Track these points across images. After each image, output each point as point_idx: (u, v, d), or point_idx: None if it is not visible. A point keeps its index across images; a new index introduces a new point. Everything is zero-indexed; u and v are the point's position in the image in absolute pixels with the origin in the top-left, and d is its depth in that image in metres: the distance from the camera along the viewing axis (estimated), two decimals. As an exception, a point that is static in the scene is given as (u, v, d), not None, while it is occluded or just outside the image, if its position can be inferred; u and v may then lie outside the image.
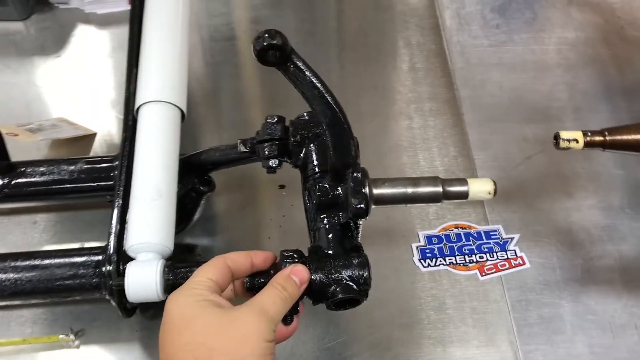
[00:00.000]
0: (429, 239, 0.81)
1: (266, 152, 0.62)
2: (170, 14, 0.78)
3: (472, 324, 0.74)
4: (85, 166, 0.78)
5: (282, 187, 0.86)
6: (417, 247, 0.80)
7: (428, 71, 0.98)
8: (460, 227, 0.82)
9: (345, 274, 0.55)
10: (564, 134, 0.63)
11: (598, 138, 0.62)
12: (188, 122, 0.92)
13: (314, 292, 0.55)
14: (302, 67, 0.52)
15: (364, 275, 0.55)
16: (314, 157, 0.62)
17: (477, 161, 0.88)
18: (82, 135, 0.90)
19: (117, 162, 0.75)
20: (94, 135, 0.91)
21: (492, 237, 0.81)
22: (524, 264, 0.78)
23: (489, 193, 0.59)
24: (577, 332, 0.73)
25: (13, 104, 0.96)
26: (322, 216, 0.59)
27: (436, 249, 0.80)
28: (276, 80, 0.98)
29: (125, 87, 0.78)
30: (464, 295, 0.76)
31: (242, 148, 0.64)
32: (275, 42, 0.49)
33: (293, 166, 0.65)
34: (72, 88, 0.98)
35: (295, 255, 0.55)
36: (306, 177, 0.62)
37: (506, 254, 0.79)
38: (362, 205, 0.54)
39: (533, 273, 0.78)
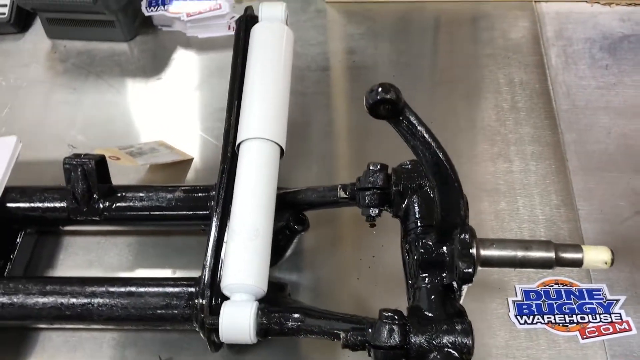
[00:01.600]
0: (526, 293, 0.77)
1: (367, 201, 0.61)
2: (275, 48, 0.78)
3: (571, 391, 0.70)
4: (183, 195, 0.79)
5: (373, 225, 0.84)
6: (514, 301, 0.76)
7: (531, 111, 0.94)
8: (561, 284, 0.77)
9: (448, 340, 0.52)
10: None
11: None
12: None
13: (412, 357, 0.53)
14: (415, 122, 0.51)
15: (467, 343, 0.52)
16: (417, 209, 0.60)
17: (581, 212, 0.83)
18: (179, 160, 0.92)
19: (214, 192, 0.75)
20: (190, 160, 0.93)
21: (595, 297, 0.76)
22: (630, 329, 0.73)
23: (606, 263, 0.55)
24: (688, 411, 0.68)
25: (114, 123, 0.99)
26: (423, 275, 0.56)
27: (534, 305, 0.76)
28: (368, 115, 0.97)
29: (226, 119, 0.79)
30: (562, 358, 0.72)
31: (342, 194, 0.63)
32: (388, 96, 0.48)
33: (393, 216, 0.63)
34: (171, 111, 1.00)
35: (396, 317, 0.53)
36: (407, 230, 0.60)
37: (610, 317, 0.74)
38: (470, 270, 0.52)
39: (640, 341, 0.72)
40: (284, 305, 0.63)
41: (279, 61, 0.78)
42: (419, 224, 0.59)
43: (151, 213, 0.80)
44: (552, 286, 0.77)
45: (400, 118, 0.50)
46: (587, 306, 0.75)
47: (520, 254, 0.55)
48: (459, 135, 0.92)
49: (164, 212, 0.79)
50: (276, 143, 0.71)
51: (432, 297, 0.55)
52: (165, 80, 1.04)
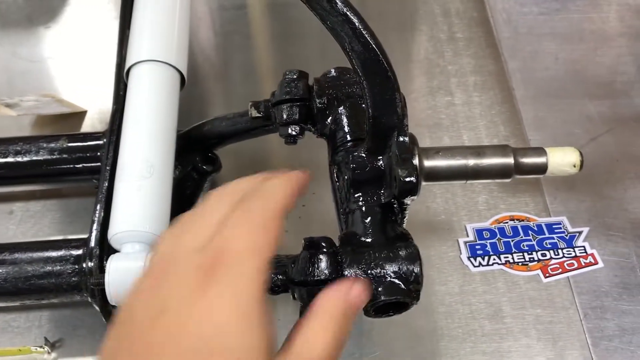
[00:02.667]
0: (479, 233, 0.67)
1: (284, 116, 0.49)
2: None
3: (537, 335, 0.60)
4: (68, 144, 0.65)
5: (292, 143, 0.73)
6: (466, 242, 0.66)
7: (470, 41, 0.85)
8: (517, 219, 0.68)
9: (390, 269, 0.41)
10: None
11: None
12: (194, 97, 0.80)
13: (348, 293, 0.41)
14: (332, -4, 0.39)
15: (415, 270, 0.41)
16: (345, 122, 0.49)
17: (532, 142, 0.74)
18: (69, 113, 0.78)
19: (105, 140, 0.62)
20: (83, 113, 0.79)
21: (556, 231, 0.67)
22: (596, 263, 0.64)
23: (574, 166, 0.46)
24: (667, 346, 0.59)
25: (-7, 78, 0.84)
26: (357, 195, 0.45)
27: (489, 245, 0.66)
28: (292, 52, 0.87)
29: (117, 52, 0.66)
30: (524, 300, 0.62)
31: (254, 112, 0.51)
32: None
33: (317, 135, 0.51)
34: (62, 62, 0.86)
35: (324, 245, 0.42)
36: (335, 148, 0.49)
37: (574, 251, 0.65)
38: (411, 179, 0.41)
39: (608, 274, 0.64)
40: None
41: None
42: (348, 138, 0.48)
43: (31, 169, 0.65)
44: (507, 222, 0.68)
45: (314, -9, 0.39)
46: (547, 241, 0.66)
47: (472, 162, 0.45)
48: (395, 70, 0.82)
49: (47, 167, 0.65)
50: (172, 66, 0.58)
51: (368, 219, 0.44)
52: (55, 30, 0.90)
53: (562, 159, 0.45)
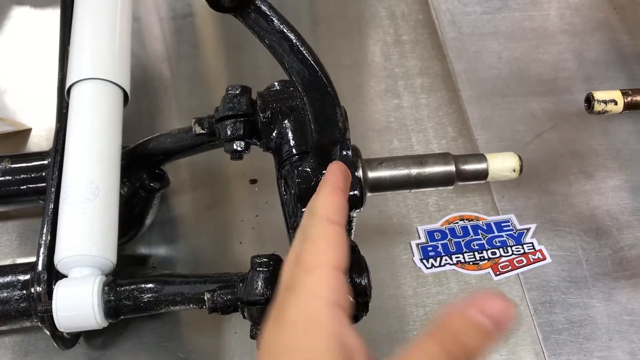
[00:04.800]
0: (430, 234, 0.68)
1: (229, 132, 0.49)
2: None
3: (489, 333, 0.61)
4: (11, 165, 0.64)
5: (253, 181, 0.73)
6: (418, 244, 0.67)
7: (416, 43, 0.86)
8: (467, 219, 0.69)
9: (338, 282, 0.41)
10: (599, 95, 0.50)
11: (641, 98, 0.50)
12: (143, 110, 0.79)
13: (297, 310, 0.41)
14: (268, 13, 0.40)
15: (362, 283, 0.42)
16: (290, 135, 0.49)
17: (479, 141, 0.76)
18: (12, 132, 0.76)
19: (50, 160, 0.61)
20: (28, 131, 0.77)
21: (505, 229, 0.68)
22: (544, 258, 0.66)
23: (514, 170, 0.47)
24: (613, 336, 0.61)
25: None
26: (303, 210, 0.45)
27: (440, 246, 0.67)
28: (241, 61, 0.86)
29: (58, 69, 0.65)
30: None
31: (197, 129, 0.51)
32: None
33: (263, 149, 0.51)
34: (3, 79, 0.84)
35: (272, 263, 0.42)
36: (281, 162, 0.49)
37: (523, 248, 0.67)
38: (355, 192, 0.41)
39: (556, 269, 0.66)
40: (140, 274, 0.50)
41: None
42: (294, 152, 0.48)
43: (-28, 192, 0.64)
44: (457, 223, 0.69)
45: (249, 9, 0.39)
46: (497, 240, 0.67)
47: (414, 171, 0.46)
48: (342, 74, 0.83)
49: (-10, 189, 0.64)
50: (114, 83, 0.57)
51: (316, 234, 0.44)
52: (-4, 44, 0.87)
53: (502, 164, 0.46)
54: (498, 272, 0.65)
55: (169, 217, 0.70)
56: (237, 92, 0.49)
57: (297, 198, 0.46)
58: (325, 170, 0.44)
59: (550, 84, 0.81)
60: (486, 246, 0.67)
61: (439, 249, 0.67)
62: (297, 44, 0.41)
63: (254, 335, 0.42)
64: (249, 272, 0.42)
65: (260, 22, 0.40)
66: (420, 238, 0.68)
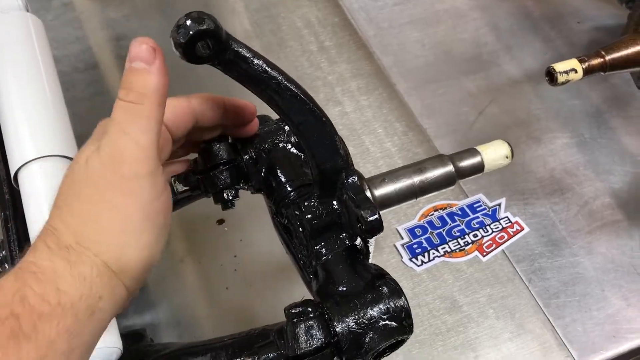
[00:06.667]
0: (411, 232, 0.68)
1: (216, 183, 0.46)
2: (25, 43, 0.59)
3: (494, 314, 0.63)
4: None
5: (221, 222, 0.70)
6: (403, 245, 0.67)
7: (340, 47, 0.85)
8: (440, 209, 0.70)
9: (379, 311, 0.40)
10: (560, 66, 0.52)
11: (597, 61, 0.53)
12: None
13: (345, 350, 0.40)
14: (247, 55, 0.38)
15: (403, 305, 0.41)
16: (280, 173, 0.47)
17: (429, 130, 0.77)
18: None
19: (4, 252, 0.55)
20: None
21: (478, 209, 0.70)
22: (522, 229, 0.68)
23: (507, 157, 0.48)
24: (604, 286, 0.64)
25: None
26: (319, 245, 0.44)
27: (424, 241, 0.67)
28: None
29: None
30: (473, 284, 0.65)
31: (179, 187, 0.47)
32: (205, 26, 0.35)
33: (252, 192, 0.49)
34: None
35: (309, 309, 0.40)
36: (278, 202, 0.46)
37: (500, 224, 0.69)
38: (376, 217, 0.40)
39: (535, 236, 0.68)
40: (152, 355, 0.46)
41: (35, 57, 0.59)
42: (289, 189, 0.46)
43: None
44: (432, 214, 0.70)
45: (227, 55, 0.37)
46: (474, 222, 0.69)
47: (417, 179, 0.45)
48: (277, 93, 0.81)
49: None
50: (66, 157, 0.53)
51: (340, 267, 0.42)
52: None
53: (495, 154, 0.47)
54: (484, 253, 0.67)
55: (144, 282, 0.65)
56: (215, 139, 0.47)
57: (308, 235, 0.44)
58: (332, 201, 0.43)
59: (476, 61, 0.84)
60: (466, 230, 0.68)
61: (424, 245, 0.67)
62: (284, 81, 0.39)
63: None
64: (287, 325, 0.40)
65: (241, 66, 0.38)
66: (403, 238, 0.68)
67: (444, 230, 0.68)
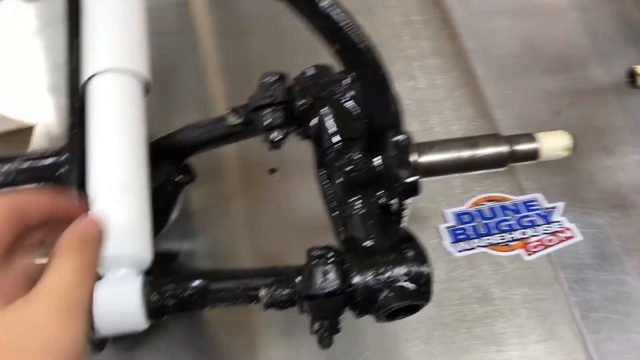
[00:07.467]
0: (458, 217, 0.67)
1: (266, 122, 0.47)
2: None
3: (526, 314, 0.61)
4: (24, 165, 0.61)
5: (272, 171, 0.71)
6: (447, 228, 0.66)
7: (426, 23, 0.84)
8: (494, 200, 0.68)
9: (400, 272, 0.40)
10: (644, 69, 0.49)
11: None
12: (163, 102, 0.76)
13: (358, 302, 0.40)
14: (318, -7, 0.38)
15: (425, 272, 0.41)
16: (331, 122, 0.47)
17: (499, 121, 0.74)
18: (14, 130, 0.72)
19: (65, 156, 0.58)
20: (31, 128, 0.74)
21: (532, 208, 0.68)
22: (574, 236, 0.66)
23: (566, 149, 0.46)
24: (650, 312, 0.61)
25: None
26: (353, 199, 0.44)
27: (469, 228, 0.66)
28: (242, 48, 0.83)
29: (67, 61, 0.62)
30: (510, 280, 0.63)
31: (232, 120, 0.49)
32: None
33: (302, 137, 0.49)
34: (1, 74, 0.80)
35: (330, 255, 0.40)
36: (323, 151, 0.47)
37: (551, 227, 0.66)
38: (414, 178, 0.40)
39: (587, 246, 0.65)
40: (179, 273, 0.48)
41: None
42: (337, 139, 0.46)
43: (-15, 194, 0.61)
44: (484, 204, 0.68)
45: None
46: (525, 219, 0.67)
47: (466, 153, 0.44)
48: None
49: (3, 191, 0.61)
50: (136, 73, 0.55)
51: (369, 222, 0.43)
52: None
53: (554, 144, 0.45)
54: (529, 252, 0.65)
55: (187, 211, 0.68)
56: (274, 79, 0.47)
57: (345, 187, 0.44)
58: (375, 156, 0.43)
59: (564, 61, 0.80)
60: (516, 226, 0.66)
61: (468, 232, 0.66)
62: (348, 24, 0.39)
63: (315, 331, 0.41)
64: (306, 265, 0.40)
65: (305, 4, 0.38)
66: (448, 221, 0.66)
67: (492, 222, 0.66)
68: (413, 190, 0.40)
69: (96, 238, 0.38)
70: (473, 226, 0.66)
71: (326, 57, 0.52)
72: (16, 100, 0.77)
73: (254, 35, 0.83)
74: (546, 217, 0.67)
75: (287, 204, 0.68)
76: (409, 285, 0.40)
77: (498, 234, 0.66)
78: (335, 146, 0.46)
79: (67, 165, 0.56)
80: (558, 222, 0.66)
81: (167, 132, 0.58)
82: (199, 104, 0.78)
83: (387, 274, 0.40)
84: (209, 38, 0.86)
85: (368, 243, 0.42)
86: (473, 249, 0.65)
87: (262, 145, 0.70)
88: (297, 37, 0.82)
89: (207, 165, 0.71)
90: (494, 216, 0.67)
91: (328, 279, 0.39)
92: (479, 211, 0.67)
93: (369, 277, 0.40)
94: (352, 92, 0.48)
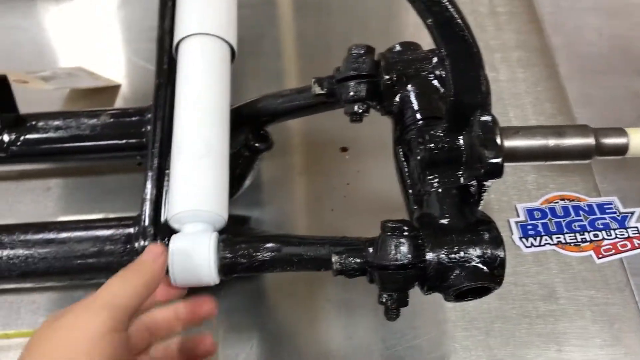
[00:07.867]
0: (530, 213, 0.66)
1: (350, 94, 0.47)
2: None
3: (592, 317, 0.59)
4: (111, 119, 0.64)
5: (344, 150, 0.71)
6: (517, 222, 0.65)
7: (512, 16, 0.82)
8: (567, 199, 0.67)
9: (474, 253, 0.40)
10: None
11: None
12: (245, 70, 0.78)
13: (429, 278, 0.40)
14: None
15: (499, 255, 0.40)
16: (415, 100, 0.47)
17: (580, 120, 0.73)
18: (103, 87, 0.75)
19: (149, 115, 0.60)
20: (117, 87, 0.77)
21: (607, 211, 0.66)
22: (650, 244, 0.63)
23: (657, 148, 0.44)
24: None
25: (22, 50, 0.81)
26: (432, 176, 0.44)
27: (540, 225, 0.65)
28: (324, 25, 0.84)
29: (158, 24, 0.64)
30: (577, 281, 0.61)
31: (317, 89, 0.49)
32: None
33: (383, 113, 0.50)
34: (88, 36, 0.84)
35: (406, 228, 0.40)
36: (404, 127, 0.47)
37: (627, 232, 0.64)
38: (498, 160, 0.40)
39: (662, 255, 0.63)
40: (251, 235, 0.49)
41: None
42: (419, 117, 0.46)
43: (71, 145, 0.64)
44: (557, 202, 0.66)
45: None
46: (599, 222, 0.65)
47: (552, 142, 0.43)
48: (434, 45, 0.80)
49: (88, 143, 0.64)
50: (223, 40, 0.56)
51: (447, 201, 0.42)
52: (79, 2, 0.87)
53: (644, 141, 0.44)
54: (600, 255, 0.63)
55: (260, 181, 0.69)
56: (362, 52, 0.48)
57: (424, 164, 0.44)
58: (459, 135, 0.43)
59: (654, 64, 0.78)
60: (588, 228, 0.64)
61: (538, 228, 0.65)
62: (445, 1, 0.39)
63: (382, 302, 0.41)
64: (380, 236, 0.41)
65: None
66: (519, 216, 0.65)
67: (564, 221, 0.65)
68: (497, 171, 0.40)
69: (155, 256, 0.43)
70: (544, 223, 0.65)
71: (407, 38, 0.52)
72: (105, 61, 0.80)
73: (335, 12, 0.83)
74: (621, 222, 0.65)
75: (355, 183, 0.68)
76: (482, 267, 0.40)
77: (569, 233, 0.64)
78: (419, 123, 0.46)
79: (151, 123, 0.59)
80: (634, 227, 0.64)
81: (241, 102, 0.59)
82: (273, 76, 0.79)
83: (461, 253, 0.40)
84: (289, 12, 0.87)
85: (444, 221, 0.42)
86: (542, 245, 0.64)
87: (334, 124, 0.71)
88: (378, 17, 0.82)
89: (280, 141, 0.72)
90: (567, 215, 0.65)
91: (401, 251, 0.40)
92: (552, 209, 0.66)
93: (442, 254, 0.40)
94: (438, 72, 0.48)
